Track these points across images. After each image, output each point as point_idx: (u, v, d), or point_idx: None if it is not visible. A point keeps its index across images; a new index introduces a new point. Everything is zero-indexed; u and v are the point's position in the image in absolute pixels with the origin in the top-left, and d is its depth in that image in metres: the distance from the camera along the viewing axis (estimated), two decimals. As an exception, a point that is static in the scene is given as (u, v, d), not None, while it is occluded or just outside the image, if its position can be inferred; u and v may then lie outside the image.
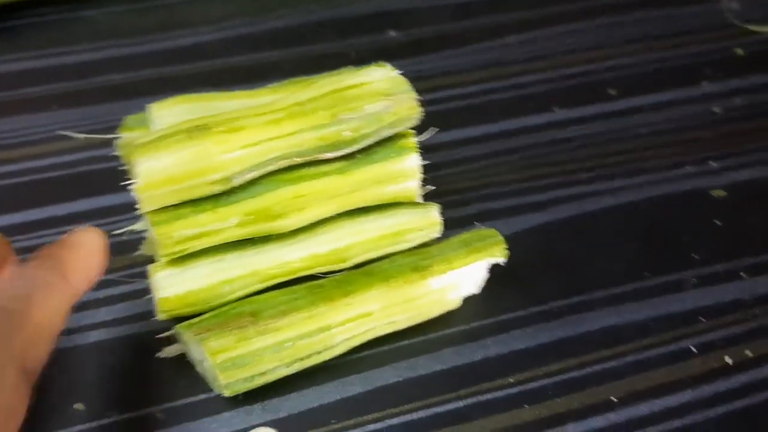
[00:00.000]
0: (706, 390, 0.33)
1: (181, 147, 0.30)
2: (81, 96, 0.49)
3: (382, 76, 0.33)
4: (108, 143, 0.35)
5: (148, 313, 0.35)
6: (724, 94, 0.49)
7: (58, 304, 0.26)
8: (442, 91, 0.49)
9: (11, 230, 0.39)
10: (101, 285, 0.37)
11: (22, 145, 0.45)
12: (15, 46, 0.53)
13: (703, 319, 0.36)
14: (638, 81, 0.50)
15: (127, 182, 0.31)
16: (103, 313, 0.36)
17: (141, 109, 0.35)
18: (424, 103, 0.33)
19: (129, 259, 0.38)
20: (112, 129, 0.36)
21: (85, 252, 0.28)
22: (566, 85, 0.50)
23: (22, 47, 0.53)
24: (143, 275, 0.35)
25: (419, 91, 0.33)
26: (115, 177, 0.34)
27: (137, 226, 0.36)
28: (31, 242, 0.39)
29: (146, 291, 0.35)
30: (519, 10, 0.56)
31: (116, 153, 0.34)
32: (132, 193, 0.30)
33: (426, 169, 0.35)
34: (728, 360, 0.34)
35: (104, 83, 0.50)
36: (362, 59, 0.33)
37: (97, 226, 0.39)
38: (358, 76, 0.33)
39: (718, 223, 0.41)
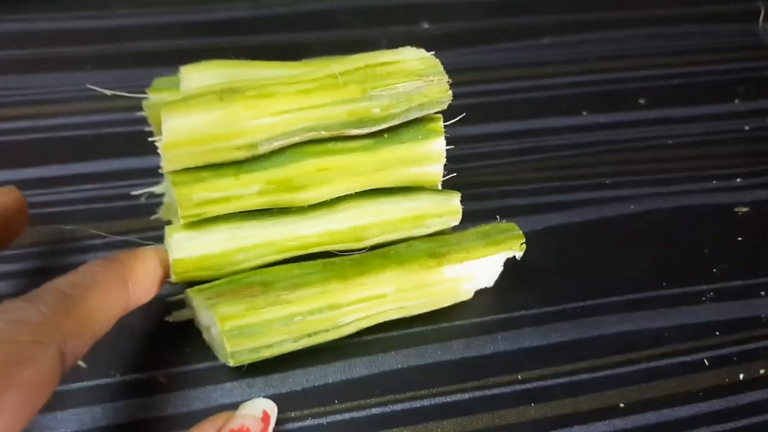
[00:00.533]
0: (716, 404, 0.32)
1: (210, 108, 0.29)
2: (113, 59, 0.49)
3: (416, 56, 0.32)
4: (134, 108, 0.35)
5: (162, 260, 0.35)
6: (756, 113, 0.49)
7: (112, 305, 0.27)
8: (471, 85, 0.49)
9: (31, 184, 0.40)
10: (114, 246, 0.37)
11: (51, 102, 0.45)
12: (53, 6, 0.53)
13: (718, 334, 0.35)
14: (670, 93, 0.50)
15: (152, 141, 0.31)
16: (115, 273, 0.36)
17: (170, 74, 0.35)
18: (454, 96, 0.33)
19: (145, 222, 0.38)
20: (143, 92, 0.36)
21: (150, 266, 0.30)
22: (597, 90, 0.49)
23: (60, 7, 0.53)
24: (158, 239, 0.34)
25: (449, 84, 0.33)
26: (139, 140, 0.34)
27: (156, 189, 0.36)
28: (48, 197, 0.39)
29: (160, 254, 0.34)
30: (557, 12, 0.56)
31: (142, 114, 0.34)
32: (154, 158, 0.30)
33: (449, 160, 0.35)
34: (741, 376, 0.34)
35: (137, 49, 0.50)
36: (393, 48, 0.33)
37: (116, 187, 0.40)
38: (392, 54, 0.32)
39: (740, 239, 0.40)
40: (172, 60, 0.48)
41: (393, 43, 0.51)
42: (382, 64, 0.32)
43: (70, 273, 0.27)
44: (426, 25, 0.54)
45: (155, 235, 0.36)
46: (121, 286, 0.28)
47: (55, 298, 0.25)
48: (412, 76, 0.32)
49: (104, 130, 0.43)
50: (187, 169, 0.31)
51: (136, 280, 0.29)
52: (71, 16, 0.52)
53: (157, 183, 0.37)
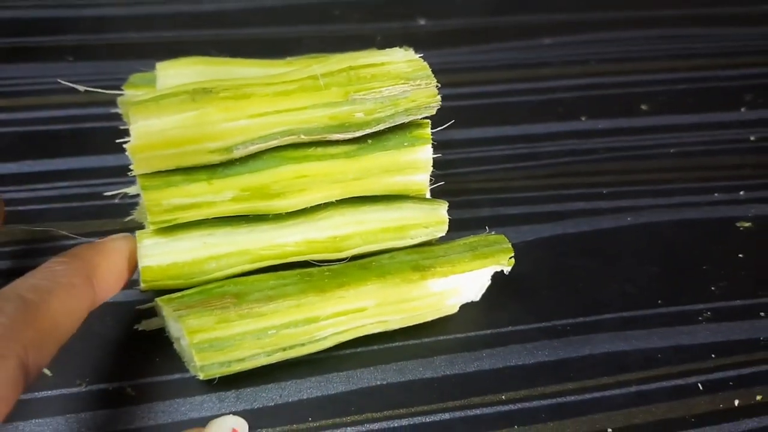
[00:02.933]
0: (710, 432, 0.31)
1: (182, 109, 0.28)
2: (95, 50, 0.47)
3: (403, 58, 0.31)
4: (114, 102, 0.34)
5: (132, 282, 0.33)
6: (763, 123, 0.47)
7: (77, 307, 0.26)
8: (465, 86, 0.47)
9: (3, 180, 0.38)
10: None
11: (28, 94, 0.44)
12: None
13: (714, 356, 0.34)
14: (673, 99, 0.48)
15: (123, 141, 0.29)
16: (85, 277, 0.34)
17: (153, 69, 0.34)
18: (445, 98, 0.31)
19: (119, 224, 0.36)
20: (121, 87, 0.34)
21: (116, 259, 0.28)
22: (597, 94, 0.48)
23: (41, -6, 0.51)
24: (131, 242, 0.33)
25: (442, 84, 0.31)
26: (116, 137, 0.33)
27: (131, 190, 0.35)
28: (20, 195, 0.38)
29: (132, 258, 0.33)
30: (558, 11, 0.54)
31: (119, 111, 0.33)
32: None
33: (439, 165, 0.33)
34: (736, 402, 0.32)
35: (120, 40, 0.48)
36: (387, 44, 0.31)
37: (92, 185, 0.38)
38: (377, 55, 0.31)
39: (741, 256, 0.38)
40: (157, 53, 0.46)
41: (387, 40, 0.49)
42: (367, 65, 0.30)
43: (30, 274, 0.25)
44: (422, 22, 0.52)
45: (129, 237, 0.35)
46: (85, 285, 0.26)
47: (14, 307, 0.23)
48: (399, 79, 0.30)
49: (82, 125, 0.42)
50: (158, 173, 0.29)
51: (101, 277, 0.27)
52: (53, 5, 0.50)
53: (132, 183, 0.36)
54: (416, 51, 0.32)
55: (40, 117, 0.42)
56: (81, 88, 0.32)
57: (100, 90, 0.31)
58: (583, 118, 0.46)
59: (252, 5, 0.52)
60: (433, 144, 0.32)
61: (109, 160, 0.39)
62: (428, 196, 0.35)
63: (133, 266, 0.29)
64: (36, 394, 0.30)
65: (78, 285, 0.26)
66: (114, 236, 0.29)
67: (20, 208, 0.37)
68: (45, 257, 0.34)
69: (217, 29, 0.50)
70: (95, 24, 0.49)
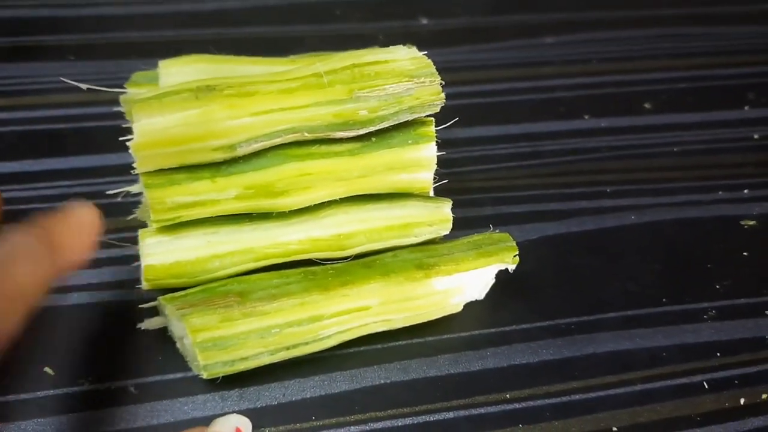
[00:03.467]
0: (715, 430, 0.31)
1: (185, 107, 0.28)
2: (97, 49, 0.47)
3: (407, 55, 0.31)
4: (116, 101, 0.33)
5: (135, 281, 0.33)
6: (766, 121, 0.47)
7: (38, 275, 0.25)
8: (468, 85, 0.47)
9: (4, 179, 0.38)
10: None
11: (30, 93, 0.43)
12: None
13: (719, 355, 0.34)
14: (676, 98, 0.48)
15: (126, 139, 0.29)
16: (88, 276, 0.34)
17: (155, 68, 0.33)
18: (448, 96, 0.31)
19: (122, 223, 0.36)
20: (123, 85, 0.34)
21: (77, 227, 0.27)
22: (600, 93, 0.47)
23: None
24: (134, 240, 0.33)
25: (445, 83, 0.31)
26: (119, 135, 0.33)
27: (134, 189, 0.35)
28: (21, 194, 0.37)
29: (135, 257, 0.33)
30: (560, 11, 0.54)
31: (121, 109, 0.33)
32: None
33: (443, 164, 0.33)
34: (742, 401, 0.32)
35: (122, 39, 0.48)
36: (390, 43, 0.31)
37: (94, 184, 0.38)
38: (381, 53, 0.31)
39: (745, 254, 0.38)
40: (159, 52, 0.46)
41: (389, 39, 0.49)
42: (371, 63, 0.30)
43: None
44: (424, 21, 0.52)
45: (132, 235, 0.35)
46: (46, 253, 0.25)
47: None
48: (402, 77, 0.30)
49: (84, 123, 0.41)
50: (162, 171, 0.29)
51: (64, 244, 0.26)
52: (55, 4, 0.50)
53: (135, 182, 0.36)
54: (418, 50, 0.32)
55: (42, 116, 0.42)
56: (83, 86, 0.32)
57: (102, 88, 0.31)
58: (586, 117, 0.46)
59: (253, 4, 0.52)
60: (436, 142, 0.32)
61: (111, 159, 0.39)
62: (432, 194, 0.34)
63: (96, 235, 0.28)
64: (38, 393, 0.30)
65: (38, 253, 0.25)
66: (74, 204, 0.28)
67: (22, 207, 0.37)
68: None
69: (219, 28, 0.50)
70: (97, 23, 0.49)
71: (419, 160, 0.32)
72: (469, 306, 0.34)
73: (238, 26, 0.50)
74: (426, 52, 0.31)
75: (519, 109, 0.46)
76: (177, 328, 0.30)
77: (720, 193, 0.42)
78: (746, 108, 0.47)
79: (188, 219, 0.30)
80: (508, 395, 0.31)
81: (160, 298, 0.30)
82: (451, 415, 0.30)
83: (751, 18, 0.55)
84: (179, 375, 0.31)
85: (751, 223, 0.40)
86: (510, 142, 0.43)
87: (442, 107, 0.31)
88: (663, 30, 0.53)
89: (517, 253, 0.33)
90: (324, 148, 0.31)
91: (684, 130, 0.45)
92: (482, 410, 0.31)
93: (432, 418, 0.30)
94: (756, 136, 0.45)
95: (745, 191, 0.42)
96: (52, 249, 0.26)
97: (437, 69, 0.31)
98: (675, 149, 0.44)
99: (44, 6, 0.50)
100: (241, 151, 0.29)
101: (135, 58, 0.46)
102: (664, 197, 0.41)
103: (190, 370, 0.31)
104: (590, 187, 0.41)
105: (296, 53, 0.38)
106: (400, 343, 0.33)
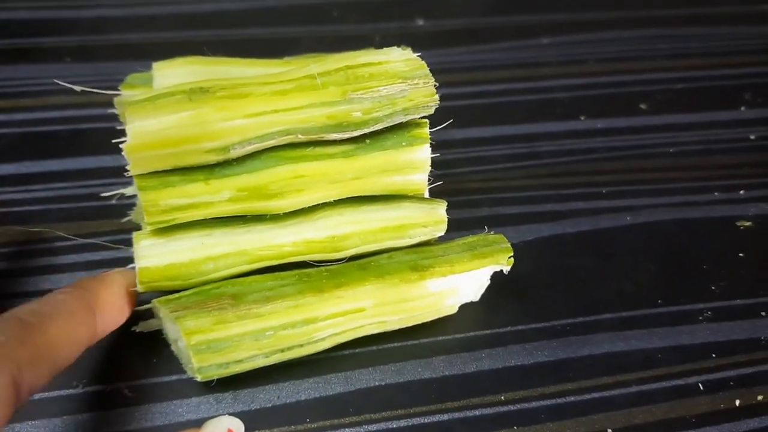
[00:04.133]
0: (710, 432, 0.31)
1: (178, 109, 0.28)
2: (94, 51, 0.47)
3: (401, 57, 0.31)
4: (112, 102, 0.33)
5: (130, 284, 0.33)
6: (763, 122, 0.47)
7: (76, 333, 0.26)
8: (464, 86, 0.47)
9: (1, 181, 0.38)
10: (83, 248, 0.35)
11: (27, 95, 0.43)
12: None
13: (715, 356, 0.34)
14: (673, 98, 0.48)
15: (119, 141, 0.29)
16: (82, 278, 0.34)
17: (150, 69, 0.33)
18: (444, 97, 0.31)
19: (116, 225, 0.36)
20: (114, 89, 0.34)
21: (117, 291, 0.29)
22: (596, 93, 0.47)
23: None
24: (128, 243, 0.33)
25: (441, 85, 0.31)
26: (114, 137, 0.33)
27: (128, 191, 0.35)
28: (18, 196, 0.37)
29: (130, 260, 0.33)
30: (557, 11, 0.54)
31: (116, 111, 0.33)
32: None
33: (439, 165, 0.33)
34: (737, 402, 0.32)
35: (120, 41, 0.48)
36: (386, 45, 0.31)
37: (89, 186, 0.38)
38: (375, 54, 0.31)
39: (741, 255, 0.38)
40: (156, 53, 0.46)
41: (386, 40, 0.49)
42: (364, 65, 0.30)
43: (32, 301, 0.26)
44: (421, 22, 0.52)
45: (126, 238, 0.35)
46: (86, 315, 0.27)
47: (10, 326, 0.24)
48: (396, 78, 0.30)
49: (80, 125, 0.41)
50: (155, 173, 0.29)
51: (103, 308, 0.28)
52: (52, 6, 0.50)
53: (130, 184, 0.36)
54: (415, 51, 0.32)
55: (38, 118, 0.42)
56: (78, 88, 0.32)
57: (96, 90, 0.31)
58: (582, 118, 0.46)
59: (251, 6, 0.52)
60: (432, 144, 0.32)
61: (107, 161, 0.39)
62: (427, 195, 0.34)
63: (134, 300, 0.30)
64: (32, 396, 0.30)
65: (79, 314, 0.26)
66: (116, 270, 0.30)
67: (17, 209, 0.37)
68: (41, 258, 0.35)
69: (216, 30, 0.50)
70: (94, 25, 0.49)
71: (413, 162, 0.32)
72: (465, 307, 0.34)
73: (235, 28, 0.50)
74: (423, 53, 0.31)
75: (515, 110, 0.46)
76: (171, 331, 0.30)
77: (716, 193, 0.41)
78: (742, 109, 0.47)
79: (182, 221, 0.30)
80: (503, 397, 0.31)
81: (155, 300, 0.30)
82: (445, 417, 0.30)
83: (747, 19, 0.55)
84: (173, 377, 0.31)
85: (747, 223, 0.40)
86: (506, 143, 0.43)
87: (438, 108, 0.31)
88: (659, 31, 0.53)
89: (512, 254, 0.33)
90: (318, 150, 0.31)
91: (680, 131, 0.45)
92: (477, 412, 0.31)
93: (427, 420, 0.30)
94: (752, 137, 0.45)
95: (741, 192, 0.42)
96: (91, 311, 0.27)
97: (433, 70, 0.31)
98: (671, 150, 0.44)
99: (42, 8, 0.50)
100: (234, 153, 0.29)
101: (132, 60, 0.46)
102: (660, 198, 0.41)
103: (184, 372, 0.31)
104: (586, 188, 0.41)
105: (293, 54, 0.38)
106: (395, 344, 0.33)
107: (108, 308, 0.28)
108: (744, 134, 0.46)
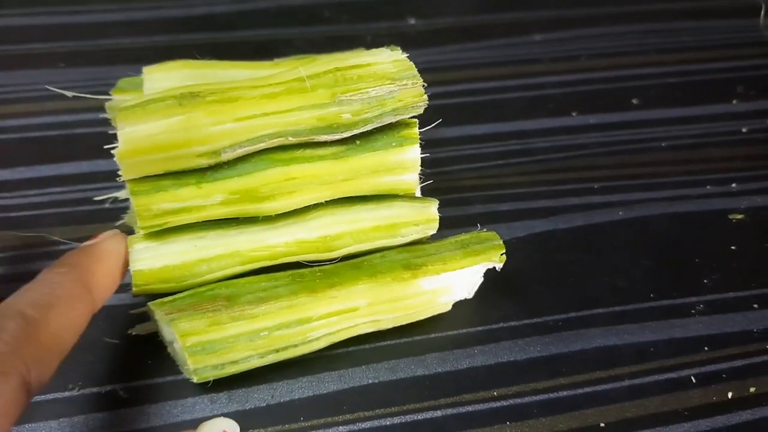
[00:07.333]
0: (703, 425, 0.31)
1: (169, 114, 0.28)
2: (87, 56, 0.48)
3: (389, 58, 0.31)
4: (104, 107, 0.34)
5: (125, 287, 0.33)
6: (755, 115, 0.47)
7: (77, 318, 0.26)
8: (457, 84, 0.47)
9: (-1, 186, 0.38)
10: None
11: (21, 101, 0.44)
12: (28, 1, 0.52)
13: (707, 349, 0.34)
14: (664, 93, 0.48)
15: (111, 147, 0.29)
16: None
17: (141, 73, 0.34)
18: (437, 96, 0.31)
19: (110, 228, 0.36)
20: (105, 94, 0.34)
21: (110, 263, 0.28)
22: (588, 89, 0.48)
23: (33, 2, 0.51)
24: (123, 246, 0.33)
25: (434, 83, 0.31)
26: (107, 142, 0.33)
27: (121, 194, 0.35)
28: (12, 201, 0.38)
29: (125, 263, 0.33)
30: (548, 8, 0.54)
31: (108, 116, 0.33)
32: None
33: (431, 163, 0.33)
34: (729, 394, 0.32)
35: (112, 46, 0.49)
36: (377, 44, 0.32)
37: (83, 191, 0.38)
38: (363, 56, 0.31)
39: (733, 248, 0.38)
40: (149, 57, 0.46)
41: (377, 40, 0.49)
42: (353, 66, 0.30)
43: (28, 288, 0.25)
44: (412, 21, 0.52)
45: (121, 241, 0.35)
46: (84, 295, 0.26)
47: (16, 325, 0.23)
48: (385, 79, 0.30)
49: (74, 130, 0.42)
50: (147, 177, 0.29)
51: (98, 282, 0.27)
52: (46, 12, 0.50)
53: (123, 188, 0.36)
54: (407, 50, 0.32)
55: (32, 123, 0.42)
56: (69, 94, 0.33)
57: (87, 95, 0.32)
58: (574, 114, 0.46)
59: (242, 8, 0.52)
60: (424, 143, 0.32)
61: (100, 165, 0.40)
62: (419, 194, 0.35)
63: (126, 266, 0.29)
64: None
65: (77, 295, 0.26)
66: (105, 236, 0.29)
67: (12, 214, 0.37)
68: (37, 263, 0.35)
69: (208, 32, 0.50)
70: (86, 30, 0.50)
71: (403, 162, 0.32)
72: (458, 305, 0.34)
73: (227, 30, 0.50)
74: (415, 53, 0.31)
75: (508, 107, 0.46)
76: (167, 333, 0.30)
77: (708, 187, 0.42)
78: (734, 102, 0.48)
79: (175, 225, 0.30)
80: (495, 393, 0.31)
81: (150, 303, 0.30)
82: (439, 413, 0.31)
83: (738, 11, 0.55)
84: (168, 378, 0.31)
85: (740, 216, 0.40)
86: (499, 141, 0.44)
87: (431, 106, 0.31)
88: (650, 25, 0.53)
89: (504, 251, 0.33)
90: (308, 152, 0.31)
91: (672, 125, 0.45)
92: (470, 408, 0.31)
93: (420, 416, 0.30)
94: (744, 130, 0.46)
95: (734, 185, 0.42)
96: (88, 290, 0.26)
97: (426, 69, 0.31)
98: (663, 144, 0.44)
99: (34, 14, 0.51)
100: (225, 157, 0.29)
101: (125, 64, 0.46)
102: (653, 192, 0.41)
103: (178, 373, 0.31)
104: (578, 184, 0.41)
105: (285, 55, 0.38)
106: (388, 342, 0.33)
107: (103, 283, 0.27)
108: (736, 127, 0.46)
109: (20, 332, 0.23)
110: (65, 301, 0.25)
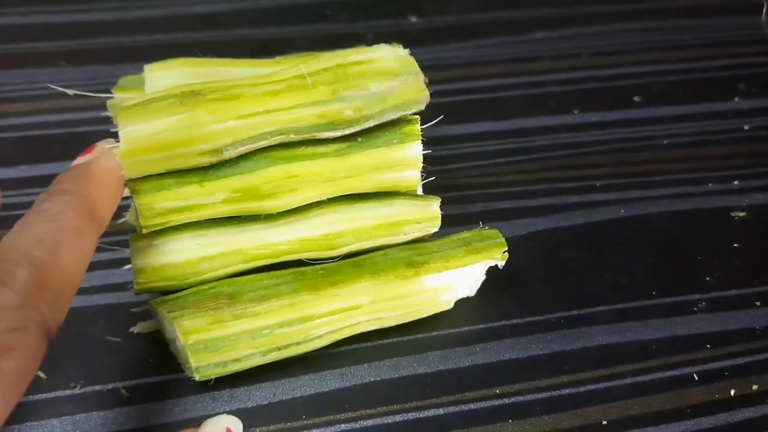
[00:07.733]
0: (705, 422, 0.31)
1: (170, 112, 0.28)
2: (89, 55, 0.48)
3: (390, 54, 0.31)
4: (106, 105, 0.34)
5: (126, 284, 0.34)
6: (757, 112, 0.47)
7: (86, 250, 0.24)
8: (458, 82, 0.47)
9: (2, 185, 0.38)
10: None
11: (23, 99, 0.44)
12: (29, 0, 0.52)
13: (710, 346, 0.34)
14: (666, 90, 0.48)
15: (113, 147, 0.29)
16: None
17: (142, 71, 0.34)
18: (438, 94, 0.31)
19: (112, 226, 0.36)
20: (107, 92, 0.34)
21: (112, 183, 0.26)
22: (590, 87, 0.48)
23: (34, 0, 0.51)
24: (124, 244, 0.33)
25: (435, 81, 0.31)
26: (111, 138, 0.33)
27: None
28: (20, 199, 0.38)
29: (126, 261, 0.33)
30: (549, 6, 0.54)
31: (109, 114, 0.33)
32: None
33: (433, 161, 0.33)
34: (732, 392, 0.32)
35: (114, 44, 0.49)
36: (378, 42, 0.31)
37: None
38: (364, 52, 0.31)
39: (735, 245, 0.38)
40: (150, 55, 0.46)
41: (378, 38, 0.49)
42: (354, 63, 0.30)
43: (29, 222, 0.23)
44: (414, 19, 0.52)
45: (122, 239, 0.35)
46: (90, 224, 0.24)
47: (25, 272, 0.21)
48: (386, 75, 0.30)
49: (76, 129, 0.42)
50: (150, 176, 0.29)
51: (101, 207, 0.25)
52: (46, 11, 0.51)
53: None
54: (408, 48, 0.32)
55: (34, 122, 0.42)
56: (70, 92, 0.33)
57: (89, 94, 0.32)
58: (576, 112, 0.46)
59: (243, 6, 0.52)
60: (425, 140, 0.32)
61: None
62: (420, 192, 0.35)
63: (123, 182, 0.27)
64: (30, 397, 0.30)
65: (83, 226, 0.24)
66: (100, 151, 0.27)
67: (16, 213, 0.37)
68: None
69: (209, 31, 0.50)
70: (88, 29, 0.50)
71: (405, 159, 0.32)
72: (460, 302, 0.34)
73: (228, 29, 0.50)
74: (416, 50, 0.31)
75: (509, 105, 0.46)
76: (169, 331, 0.30)
77: (710, 184, 0.42)
78: (736, 99, 0.48)
79: (177, 223, 0.30)
80: (497, 390, 0.31)
81: (152, 301, 0.30)
82: (441, 411, 0.31)
83: (739, 9, 0.55)
84: (170, 377, 0.31)
85: (741, 214, 0.40)
86: (500, 139, 0.44)
87: (431, 104, 0.31)
88: (652, 23, 0.53)
89: (506, 249, 0.33)
90: (310, 150, 0.31)
91: (673, 123, 0.45)
92: (472, 406, 0.31)
93: (422, 414, 0.30)
94: (746, 127, 0.46)
95: (735, 182, 0.42)
96: (92, 216, 0.25)
97: (427, 67, 0.31)
98: (664, 142, 0.44)
99: (35, 13, 0.51)
100: (227, 155, 0.29)
101: (126, 62, 0.46)
102: (654, 190, 0.41)
103: (181, 371, 0.31)
104: (580, 182, 0.41)
105: (286, 54, 0.38)
106: (390, 340, 0.33)
107: (106, 206, 0.26)
108: (738, 125, 0.46)
109: (31, 280, 0.21)
110: (72, 234, 0.23)
